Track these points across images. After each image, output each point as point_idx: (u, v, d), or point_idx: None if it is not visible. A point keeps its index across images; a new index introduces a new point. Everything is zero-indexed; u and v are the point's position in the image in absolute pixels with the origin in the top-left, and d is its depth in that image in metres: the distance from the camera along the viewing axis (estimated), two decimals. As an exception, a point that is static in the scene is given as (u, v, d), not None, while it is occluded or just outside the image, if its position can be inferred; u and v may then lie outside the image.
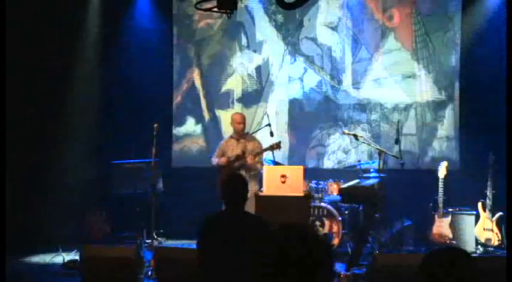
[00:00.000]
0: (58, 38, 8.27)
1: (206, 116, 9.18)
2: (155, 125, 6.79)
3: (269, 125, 7.56)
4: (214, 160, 7.30)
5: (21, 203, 7.82)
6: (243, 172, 6.97)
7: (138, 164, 7.57)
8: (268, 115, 8.22)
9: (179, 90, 9.23)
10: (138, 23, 9.14)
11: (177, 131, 9.24)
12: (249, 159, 6.99)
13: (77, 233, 8.24)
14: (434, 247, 7.24)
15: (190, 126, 9.22)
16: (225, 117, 8.87)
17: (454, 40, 8.55)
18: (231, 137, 7.35)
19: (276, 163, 7.68)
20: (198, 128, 9.20)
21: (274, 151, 7.20)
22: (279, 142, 7.15)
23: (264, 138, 7.74)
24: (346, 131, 7.90)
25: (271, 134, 7.52)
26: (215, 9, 4.97)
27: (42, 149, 8.24)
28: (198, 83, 9.21)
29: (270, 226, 4.06)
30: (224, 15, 5.07)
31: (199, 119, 9.20)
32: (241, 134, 7.25)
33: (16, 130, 7.55)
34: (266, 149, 7.11)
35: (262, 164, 7.11)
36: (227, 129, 8.54)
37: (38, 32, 8.00)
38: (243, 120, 7.24)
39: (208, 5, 5.11)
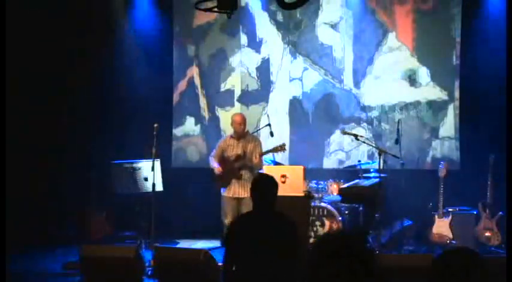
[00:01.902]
0: (58, 39, 8.27)
1: (206, 115, 9.17)
2: (155, 125, 6.78)
3: (269, 124, 7.54)
4: (212, 161, 7.23)
5: (21, 203, 7.81)
6: (245, 172, 6.95)
7: (138, 164, 7.56)
8: (268, 115, 8.21)
9: (179, 89, 9.22)
10: (138, 22, 9.14)
11: (177, 131, 9.23)
12: (255, 159, 6.94)
13: (77, 233, 8.24)
14: (434, 247, 7.33)
15: (190, 126, 9.20)
16: (225, 116, 8.86)
17: (454, 39, 8.53)
18: (231, 136, 7.30)
19: (276, 163, 7.67)
20: (198, 128, 9.18)
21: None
22: (284, 144, 7.04)
23: (264, 138, 7.73)
24: (347, 131, 7.89)
25: (271, 134, 7.49)
26: (215, 9, 4.94)
27: (42, 149, 8.24)
28: (197, 82, 9.20)
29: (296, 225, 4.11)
30: (224, 14, 5.05)
31: (198, 119, 9.19)
32: (242, 134, 7.18)
33: (16, 130, 7.54)
34: (270, 151, 7.04)
35: (263, 164, 7.11)
36: (227, 129, 8.53)
37: (36, 32, 7.99)
38: (244, 122, 7.14)
39: (208, 5, 5.09)
